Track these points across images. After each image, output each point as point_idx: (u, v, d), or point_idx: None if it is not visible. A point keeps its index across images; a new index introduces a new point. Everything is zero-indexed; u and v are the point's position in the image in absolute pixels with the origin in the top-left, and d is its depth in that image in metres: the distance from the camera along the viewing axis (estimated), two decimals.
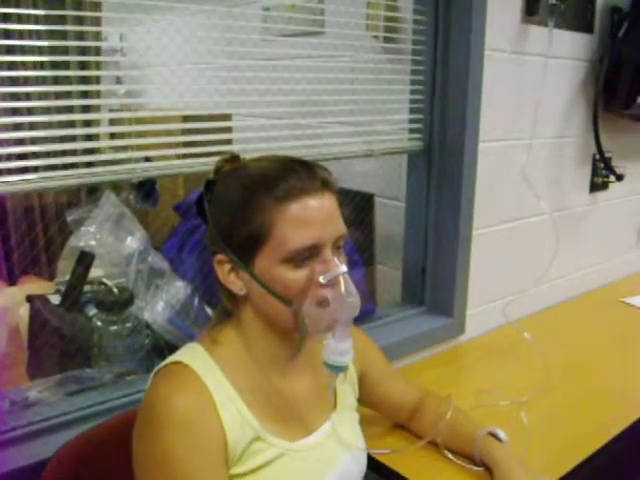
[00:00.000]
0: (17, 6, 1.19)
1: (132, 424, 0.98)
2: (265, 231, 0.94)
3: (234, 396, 0.99)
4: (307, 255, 0.95)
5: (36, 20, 1.25)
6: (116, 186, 1.72)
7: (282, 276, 0.95)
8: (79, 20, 1.34)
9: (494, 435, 1.28)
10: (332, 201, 0.99)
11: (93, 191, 1.70)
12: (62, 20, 1.27)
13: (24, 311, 1.65)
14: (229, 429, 0.96)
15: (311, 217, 0.94)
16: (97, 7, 1.41)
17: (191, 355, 1.01)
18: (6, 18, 1.18)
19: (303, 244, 0.94)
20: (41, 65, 1.28)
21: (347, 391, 1.20)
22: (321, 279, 0.95)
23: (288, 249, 0.94)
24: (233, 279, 1.00)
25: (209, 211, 1.02)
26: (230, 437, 0.96)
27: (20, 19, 1.25)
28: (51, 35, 1.27)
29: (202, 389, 0.96)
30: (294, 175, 0.96)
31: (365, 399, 1.28)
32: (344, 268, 0.96)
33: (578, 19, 2.13)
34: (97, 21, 1.41)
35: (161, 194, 2.03)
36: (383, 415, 1.41)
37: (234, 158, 1.05)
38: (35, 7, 1.23)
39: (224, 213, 0.99)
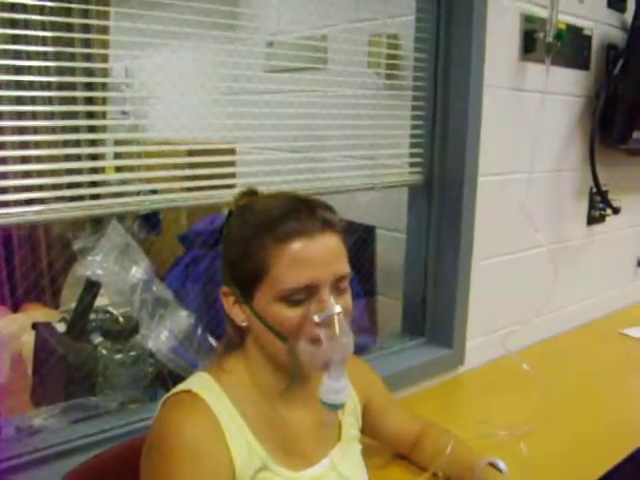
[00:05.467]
0: (27, 42, 1.22)
1: (136, 451, 0.99)
2: (263, 269, 0.96)
3: (242, 425, 1.00)
4: (304, 295, 0.96)
5: (45, 56, 1.28)
6: (121, 216, 1.75)
7: (278, 313, 0.96)
8: (87, 57, 1.38)
9: (494, 465, 1.29)
10: (333, 241, 0.99)
11: (98, 220, 1.73)
12: (71, 57, 1.31)
13: (27, 338, 1.66)
14: (237, 458, 0.97)
15: (307, 258, 0.95)
16: (105, 44, 1.45)
17: (200, 384, 1.02)
18: (16, 53, 1.22)
19: (297, 284, 0.95)
20: (49, 102, 1.32)
21: (351, 422, 1.20)
22: (315, 318, 0.95)
23: (282, 288, 0.95)
24: (237, 311, 1.03)
25: (222, 243, 1.05)
26: (238, 466, 0.97)
27: (29, 56, 1.29)
28: (60, 71, 1.31)
29: (211, 418, 0.97)
30: (294, 216, 0.97)
31: (367, 429, 1.28)
32: (338, 309, 0.96)
33: (575, 56, 2.17)
34: (105, 57, 1.45)
35: (164, 223, 2.05)
36: (384, 445, 1.41)
37: (251, 192, 1.08)
38: (44, 44, 1.26)
39: (231, 247, 1.02)
